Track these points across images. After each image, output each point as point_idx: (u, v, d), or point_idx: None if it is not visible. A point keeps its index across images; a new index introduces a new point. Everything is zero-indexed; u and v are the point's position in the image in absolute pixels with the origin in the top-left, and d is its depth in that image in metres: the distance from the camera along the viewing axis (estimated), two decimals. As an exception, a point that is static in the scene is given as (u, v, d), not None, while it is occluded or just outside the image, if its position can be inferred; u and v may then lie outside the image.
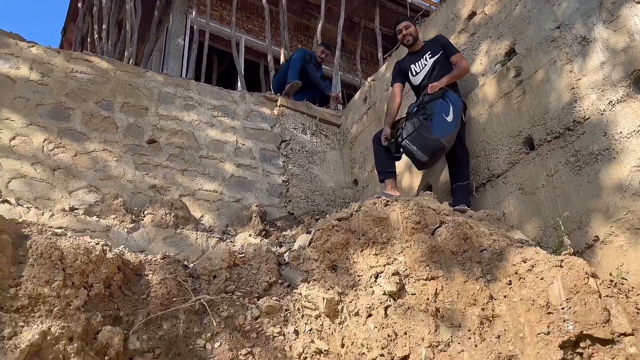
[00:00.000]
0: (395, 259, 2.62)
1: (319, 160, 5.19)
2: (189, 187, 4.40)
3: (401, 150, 3.68)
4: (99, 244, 2.66)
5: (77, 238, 2.68)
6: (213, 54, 8.79)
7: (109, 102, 4.50)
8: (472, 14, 4.05)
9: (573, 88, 2.99)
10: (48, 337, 2.21)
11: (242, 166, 4.77)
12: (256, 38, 8.70)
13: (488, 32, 3.82)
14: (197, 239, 3.80)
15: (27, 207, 3.44)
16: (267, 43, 7.63)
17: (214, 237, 3.90)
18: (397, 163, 3.89)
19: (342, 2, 8.48)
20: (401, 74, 4.09)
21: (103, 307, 2.53)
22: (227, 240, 3.93)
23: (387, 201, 2.84)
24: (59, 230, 2.90)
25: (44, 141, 4.04)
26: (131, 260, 2.80)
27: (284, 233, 4.03)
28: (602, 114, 2.78)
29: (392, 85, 4.11)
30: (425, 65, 3.94)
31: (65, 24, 9.32)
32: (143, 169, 4.32)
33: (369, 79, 5.27)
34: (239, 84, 7.81)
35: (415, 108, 3.70)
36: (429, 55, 3.95)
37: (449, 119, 3.49)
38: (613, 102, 2.74)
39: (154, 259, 2.92)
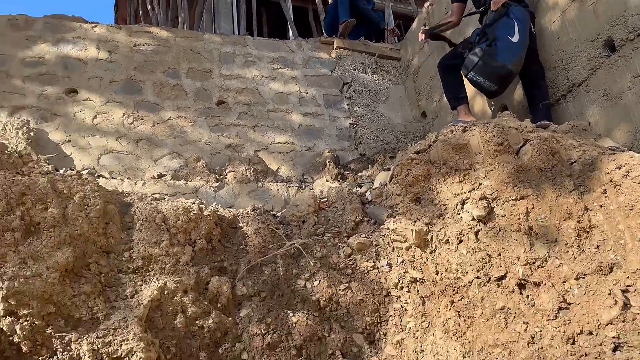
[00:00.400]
0: (480, 184, 2.61)
1: (383, 97, 5.14)
2: (261, 142, 4.52)
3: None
4: (194, 203, 2.84)
5: (174, 200, 2.87)
6: (261, 7, 8.72)
7: (174, 70, 4.64)
8: None
9: (657, -23, 2.75)
10: (165, 292, 2.42)
11: (308, 115, 4.81)
12: (300, -17, 8.51)
13: None
14: (278, 189, 3.93)
15: (121, 179, 3.68)
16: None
17: (293, 186, 4.02)
18: (467, 87, 3.78)
19: None
20: None
21: (208, 260, 2.73)
22: (306, 187, 4.04)
23: (465, 127, 2.80)
24: (156, 196, 3.12)
25: (123, 115, 4.26)
26: (225, 215, 2.97)
27: (359, 174, 4.08)
28: (693, 1, 2.55)
29: (452, 3, 3.95)
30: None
31: (116, 1, 9.52)
32: (217, 130, 4.47)
33: (426, 4, 5.07)
34: (290, 32, 7.76)
35: (477, 36, 3.54)
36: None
37: (515, 39, 3.32)
38: None
39: (245, 211, 3.08)
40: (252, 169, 4.04)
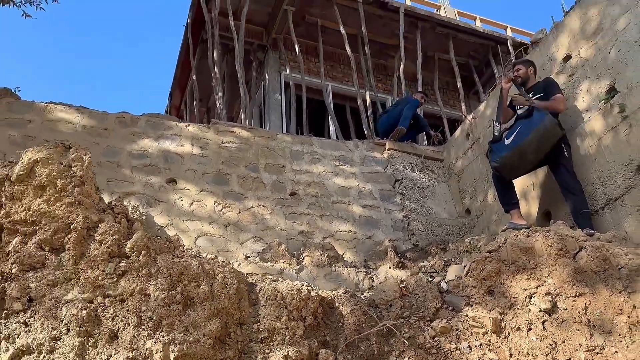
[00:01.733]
0: (544, 281, 3.19)
1: (430, 194, 5.83)
2: (328, 229, 5.15)
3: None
4: (303, 285, 3.42)
5: (287, 282, 3.45)
6: (302, 101, 9.71)
7: (254, 164, 5.37)
8: (568, 57, 4.61)
9: (679, 121, 3.48)
10: (288, 360, 2.95)
11: (366, 207, 5.48)
12: (340, 83, 9.52)
13: (586, 73, 4.36)
14: (348, 274, 4.51)
15: (217, 259, 4.27)
16: (355, 88, 8.45)
17: (360, 271, 4.60)
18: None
19: (418, 40, 9.20)
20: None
21: (315, 334, 3.27)
22: (372, 272, 4.62)
23: (528, 232, 3.43)
24: (255, 277, 3.70)
25: (214, 203, 4.92)
26: (324, 296, 3.53)
27: (420, 264, 4.66)
28: None
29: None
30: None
31: (171, 90, 10.54)
32: (291, 217, 5.12)
33: (470, 117, 5.88)
34: (330, 126, 8.65)
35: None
36: (532, 94, 4.53)
37: (507, 141, 4.20)
38: None
39: (339, 293, 3.64)
40: (326, 255, 4.64)
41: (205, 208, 4.87)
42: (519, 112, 4.40)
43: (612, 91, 4.09)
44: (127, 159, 4.96)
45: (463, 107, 9.07)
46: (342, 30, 8.52)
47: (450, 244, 5.06)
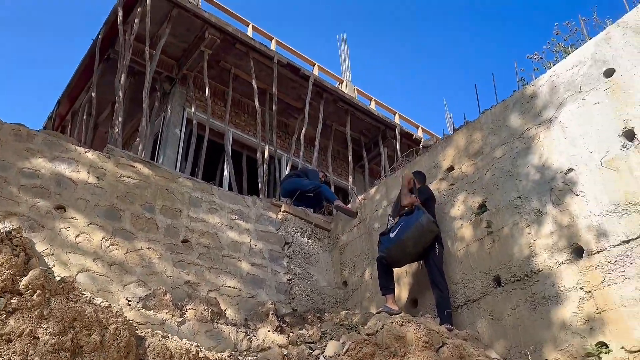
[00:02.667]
0: (411, 368, 3.62)
1: (314, 261, 6.18)
2: (215, 283, 5.23)
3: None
4: (192, 345, 3.49)
5: (175, 339, 3.49)
6: (200, 141, 9.73)
7: (151, 205, 5.32)
8: (451, 168, 5.35)
9: (531, 246, 4.24)
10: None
11: (255, 265, 5.66)
12: (242, 131, 9.73)
13: (464, 186, 5.10)
14: (229, 332, 4.60)
15: (99, 300, 4.14)
16: (257, 140, 8.75)
17: (241, 331, 4.72)
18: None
19: (321, 109, 9.84)
20: None
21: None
22: (251, 334, 4.76)
23: (402, 322, 3.88)
24: (145, 331, 3.68)
25: (102, 239, 4.78)
26: (210, 357, 3.62)
27: (298, 331, 4.90)
28: (551, 270, 4.03)
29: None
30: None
31: (60, 98, 9.94)
32: (179, 265, 5.11)
33: (360, 197, 6.43)
34: (225, 171, 8.79)
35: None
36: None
37: (392, 235, 4.80)
38: (559, 263, 4.00)
39: (223, 356, 3.75)
40: (210, 310, 4.69)
41: (92, 242, 4.70)
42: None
43: (482, 207, 4.84)
44: (16, 176, 4.66)
45: (351, 179, 9.76)
46: (254, 84, 8.84)
47: (326, 313, 5.40)
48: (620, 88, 4.07)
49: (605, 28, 4.52)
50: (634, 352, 3.36)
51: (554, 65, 5.06)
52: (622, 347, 3.44)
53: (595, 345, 3.58)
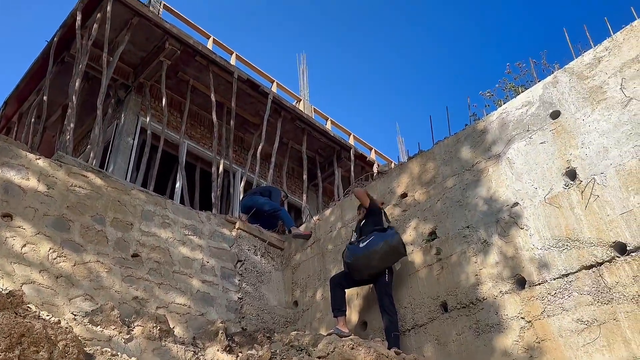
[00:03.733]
0: (360, 392, 3.69)
1: (266, 280, 6.19)
2: (164, 299, 5.14)
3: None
4: (141, 365, 3.42)
5: (125, 357, 3.42)
6: (153, 151, 9.56)
7: (102, 216, 5.19)
8: (405, 195, 5.52)
9: (477, 275, 4.44)
10: None
11: (206, 282, 5.61)
12: (197, 144, 9.64)
13: (416, 212, 5.28)
14: (177, 351, 4.53)
15: (48, 315, 4.00)
16: (212, 154, 8.70)
17: (189, 350, 4.66)
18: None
19: (279, 126, 9.91)
20: None
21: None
22: (200, 353, 4.71)
23: (353, 345, 3.95)
24: (94, 349, 3.59)
25: (49, 250, 4.62)
26: (159, 378, 3.56)
27: (247, 352, 4.89)
28: (495, 299, 4.23)
29: None
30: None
31: (7, 99, 9.55)
32: (128, 280, 5.00)
33: (315, 217, 6.51)
34: (177, 183, 8.68)
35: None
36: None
37: (362, 244, 4.93)
38: (503, 292, 4.21)
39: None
40: (158, 327, 4.61)
41: (39, 253, 4.53)
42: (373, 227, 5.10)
43: (433, 234, 5.02)
44: (-41, 180, 4.46)
45: (304, 197, 9.84)
46: (213, 98, 8.81)
47: (276, 334, 5.40)
48: (565, 130, 4.37)
49: (553, 72, 4.84)
50: (568, 380, 3.57)
51: (504, 102, 5.37)
52: (558, 375, 3.66)
53: (534, 372, 3.78)
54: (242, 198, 7.59)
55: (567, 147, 4.31)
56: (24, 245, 4.49)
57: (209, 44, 9.92)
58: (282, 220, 6.79)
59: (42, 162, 5.09)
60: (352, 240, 5.15)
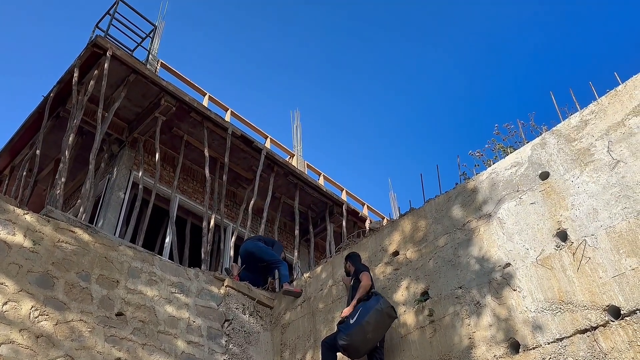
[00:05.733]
0: None
1: (254, 340, 6.00)
2: (147, 361, 4.95)
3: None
4: None
5: None
6: (144, 206, 9.51)
7: (87, 273, 5.08)
8: (396, 253, 5.47)
9: (470, 338, 4.33)
10: None
11: (192, 343, 5.43)
12: (189, 198, 9.60)
13: (408, 271, 5.21)
14: (159, 417, 4.33)
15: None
16: (204, 209, 8.65)
17: (172, 415, 4.45)
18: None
19: (271, 181, 9.93)
20: None
21: None
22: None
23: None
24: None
25: (31, 308, 4.48)
26: None
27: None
28: (489, 363, 4.11)
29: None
30: (350, 288, 5.22)
31: (0, 151, 9.56)
32: (111, 340, 4.83)
33: (306, 275, 6.40)
34: (167, 238, 8.57)
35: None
36: (352, 281, 5.24)
37: (351, 321, 4.68)
38: (497, 356, 4.09)
39: None
40: (140, 391, 4.43)
41: (20, 312, 4.40)
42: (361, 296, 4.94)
43: (425, 294, 4.93)
44: (-57, 235, 4.37)
45: (296, 253, 9.74)
46: (206, 153, 8.87)
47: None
48: (555, 191, 4.40)
49: (541, 133, 4.93)
50: None
51: (493, 162, 5.43)
52: None
53: None
54: (245, 241, 7.48)
55: (557, 208, 4.32)
56: (5, 303, 4.36)
57: (205, 101, 10.10)
58: (280, 274, 6.63)
59: (29, 217, 5.03)
60: (342, 318, 4.86)
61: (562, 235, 4.19)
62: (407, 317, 4.94)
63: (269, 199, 9.68)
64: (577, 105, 4.82)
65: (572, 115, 4.72)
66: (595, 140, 4.37)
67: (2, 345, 4.13)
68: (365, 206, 12.66)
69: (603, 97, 4.55)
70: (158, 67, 9.56)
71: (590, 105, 4.61)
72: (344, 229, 10.62)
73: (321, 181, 12.00)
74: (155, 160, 8.45)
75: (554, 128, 4.76)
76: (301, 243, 11.12)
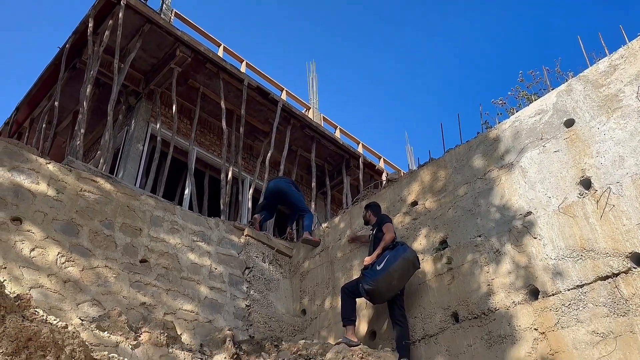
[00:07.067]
0: (369, 402, 3.62)
1: (274, 287, 6.13)
2: (172, 306, 5.10)
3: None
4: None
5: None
6: (163, 158, 9.58)
7: (110, 221, 5.18)
8: (415, 202, 5.46)
9: (489, 284, 4.37)
10: None
11: (214, 289, 5.56)
12: (206, 151, 9.64)
13: (427, 221, 5.21)
14: (184, 358, 4.49)
15: (55, 319, 3.97)
16: (222, 161, 8.68)
17: (197, 357, 4.61)
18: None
19: (288, 134, 9.89)
20: None
21: None
22: (207, 360, 4.65)
23: (362, 355, 3.89)
24: (100, 354, 3.56)
25: (58, 254, 4.60)
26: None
27: (257, 360, 4.83)
28: (507, 309, 4.15)
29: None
30: (371, 237, 5.24)
31: (19, 105, 9.61)
32: (136, 286, 4.97)
33: (324, 225, 6.45)
34: (186, 190, 8.66)
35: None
36: (374, 230, 5.25)
37: (379, 267, 4.74)
38: (515, 302, 4.13)
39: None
40: (165, 334, 4.57)
41: (47, 258, 4.52)
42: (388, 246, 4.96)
43: (444, 243, 4.95)
44: (-31, 183, 4.46)
45: (313, 205, 9.79)
46: (223, 105, 8.82)
47: (283, 342, 5.34)
48: (580, 138, 4.31)
49: (567, 80, 4.79)
50: (584, 394, 3.48)
51: (516, 111, 5.31)
52: (572, 388, 3.57)
53: (547, 385, 3.69)
54: (275, 179, 7.48)
55: (581, 156, 4.24)
56: (33, 250, 4.48)
57: (220, 52, 9.95)
58: (305, 222, 6.67)
59: (52, 167, 5.09)
60: (365, 265, 4.94)
61: (586, 183, 4.13)
62: (426, 264, 4.97)
63: (285, 151, 9.65)
64: (605, 50, 4.66)
65: (600, 61, 4.56)
66: (624, 85, 4.23)
67: (32, 289, 4.27)
68: (382, 159, 12.58)
69: (634, 41, 4.38)
70: (172, 16, 9.39)
71: (620, 49, 4.44)
72: (361, 182, 10.62)
73: (337, 134, 11.91)
74: (173, 112, 8.44)
75: (581, 74, 4.62)
76: (318, 196, 11.15)
